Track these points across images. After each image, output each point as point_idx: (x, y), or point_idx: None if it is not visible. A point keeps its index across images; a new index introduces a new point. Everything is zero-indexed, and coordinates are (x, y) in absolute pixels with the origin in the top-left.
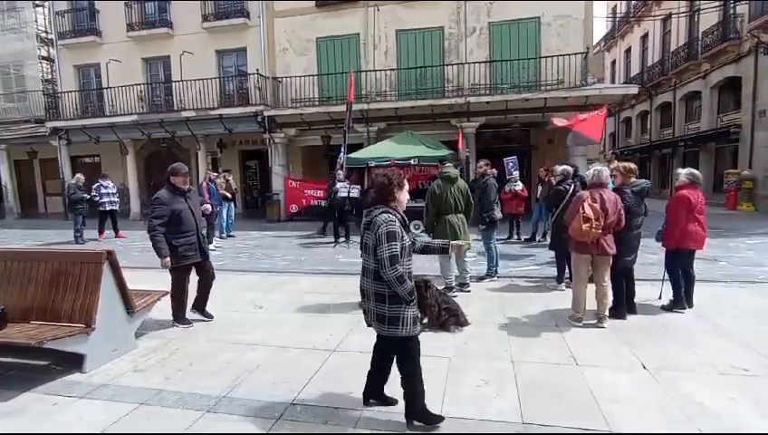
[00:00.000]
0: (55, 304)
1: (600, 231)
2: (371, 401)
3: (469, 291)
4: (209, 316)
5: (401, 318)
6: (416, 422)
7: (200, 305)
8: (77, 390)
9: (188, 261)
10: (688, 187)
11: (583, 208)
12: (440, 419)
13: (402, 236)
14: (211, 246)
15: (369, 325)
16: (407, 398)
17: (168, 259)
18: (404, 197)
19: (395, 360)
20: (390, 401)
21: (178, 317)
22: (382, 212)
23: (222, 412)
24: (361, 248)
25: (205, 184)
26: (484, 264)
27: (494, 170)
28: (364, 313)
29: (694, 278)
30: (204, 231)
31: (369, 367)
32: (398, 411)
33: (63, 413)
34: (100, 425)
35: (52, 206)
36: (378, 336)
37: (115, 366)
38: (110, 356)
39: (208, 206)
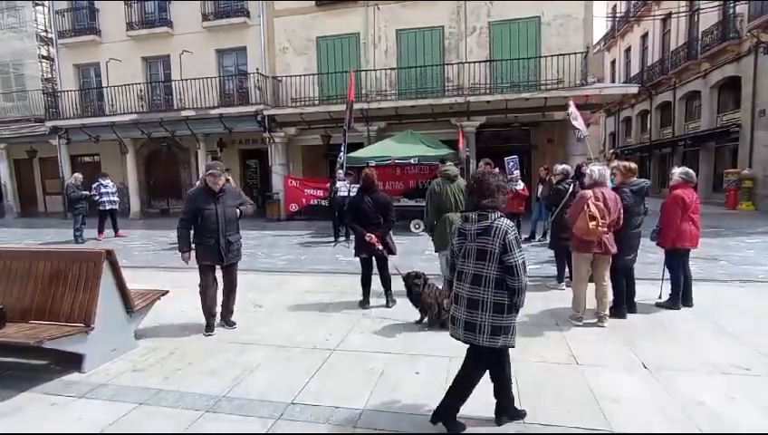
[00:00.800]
0: (54, 303)
1: (606, 229)
2: (441, 423)
3: None
4: (231, 324)
5: (512, 327)
6: (505, 418)
7: (222, 312)
8: (76, 389)
9: (207, 262)
10: (683, 186)
11: (589, 207)
12: (523, 413)
13: None
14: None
15: (457, 338)
16: (503, 398)
17: (187, 255)
18: (505, 200)
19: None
20: (461, 427)
21: (209, 325)
22: (501, 217)
23: (221, 412)
24: (462, 255)
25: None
26: None
27: (496, 170)
28: (452, 322)
29: (690, 278)
30: (230, 237)
31: (372, 365)
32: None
33: (62, 413)
34: (99, 425)
35: (52, 205)
36: (474, 351)
37: (114, 366)
38: (110, 356)
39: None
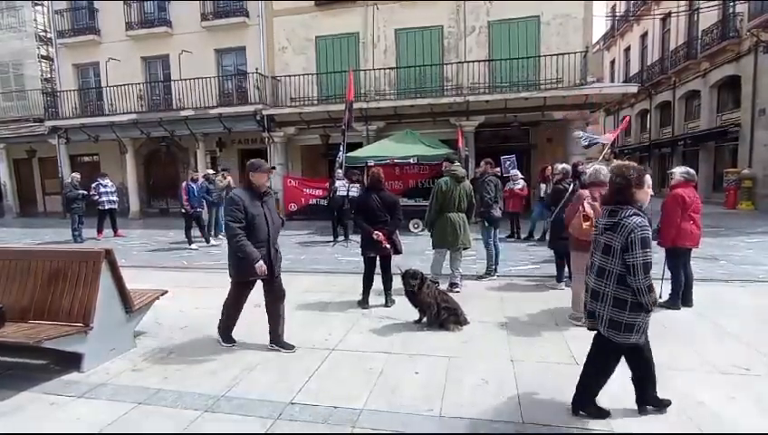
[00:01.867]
0: (53, 303)
1: None
2: (581, 412)
3: (458, 291)
4: (289, 347)
5: (635, 325)
6: (648, 407)
7: (275, 335)
8: (75, 389)
9: (249, 277)
10: (683, 185)
11: (583, 207)
12: (667, 403)
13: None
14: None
15: (592, 329)
16: (642, 389)
17: (262, 263)
18: (644, 196)
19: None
20: (604, 414)
21: (223, 332)
22: (633, 214)
23: (221, 412)
24: (593, 247)
25: (184, 184)
26: (483, 262)
27: (497, 169)
28: (590, 316)
29: (691, 277)
30: (276, 245)
31: (371, 365)
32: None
33: (61, 413)
34: (98, 425)
35: (51, 205)
36: (599, 341)
37: (113, 365)
38: (109, 355)
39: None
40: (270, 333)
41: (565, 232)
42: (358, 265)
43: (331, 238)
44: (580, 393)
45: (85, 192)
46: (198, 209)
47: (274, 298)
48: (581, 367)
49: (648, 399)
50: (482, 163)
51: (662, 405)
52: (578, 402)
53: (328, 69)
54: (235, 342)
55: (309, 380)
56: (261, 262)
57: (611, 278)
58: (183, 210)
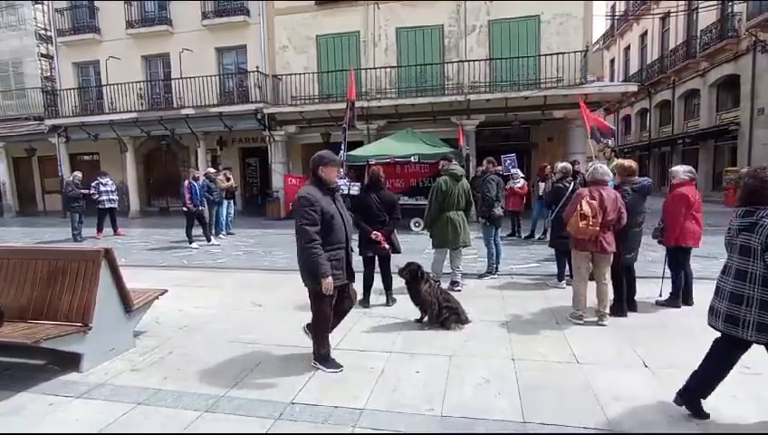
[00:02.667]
0: (52, 302)
1: (598, 228)
2: (687, 409)
3: (459, 290)
4: (337, 366)
5: None
6: None
7: (324, 348)
8: (74, 389)
9: (335, 283)
10: (687, 184)
11: (581, 206)
12: None
13: None
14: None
15: (714, 327)
16: None
17: (331, 280)
18: None
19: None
20: (704, 415)
21: (321, 356)
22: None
23: (220, 412)
24: (728, 249)
25: (186, 183)
26: (484, 261)
27: (499, 168)
28: (710, 312)
29: (691, 276)
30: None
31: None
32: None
33: (60, 413)
34: (97, 425)
35: (51, 204)
36: (729, 342)
37: (112, 365)
38: (108, 355)
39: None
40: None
41: (566, 231)
42: (358, 264)
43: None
44: (694, 389)
45: (86, 191)
46: (201, 208)
47: (344, 307)
48: (582, 366)
49: None
50: (484, 162)
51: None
52: (686, 398)
53: (329, 68)
54: (341, 366)
55: (309, 379)
56: (330, 279)
57: (755, 281)
58: (185, 209)
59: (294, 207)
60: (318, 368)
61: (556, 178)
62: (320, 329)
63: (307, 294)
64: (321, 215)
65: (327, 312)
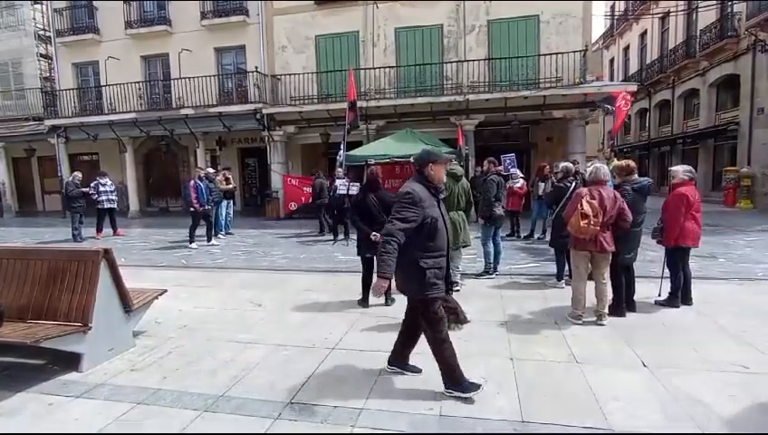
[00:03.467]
0: (52, 302)
1: (598, 228)
2: None
3: (458, 290)
4: (417, 370)
5: None
6: None
7: (405, 355)
8: (73, 389)
9: (434, 293)
10: (687, 184)
11: (581, 205)
12: None
13: None
14: (194, 245)
15: None
16: None
17: (383, 283)
18: None
19: None
20: None
21: (454, 379)
22: None
23: (220, 412)
24: None
25: (192, 183)
26: (483, 261)
27: (500, 168)
28: None
29: (690, 276)
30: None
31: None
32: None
33: (60, 413)
34: (96, 425)
35: (51, 204)
36: None
37: (112, 365)
38: (107, 355)
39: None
40: (398, 351)
41: (566, 231)
42: (357, 264)
43: (331, 237)
44: None
45: (86, 190)
46: (207, 207)
47: (415, 325)
48: (580, 365)
49: None
50: (485, 162)
51: None
52: None
53: (328, 68)
54: (480, 385)
55: (308, 379)
56: (386, 282)
57: None
58: (192, 208)
59: (398, 200)
60: (453, 394)
61: (558, 178)
62: (440, 345)
63: (307, 293)
64: (423, 218)
65: (439, 325)
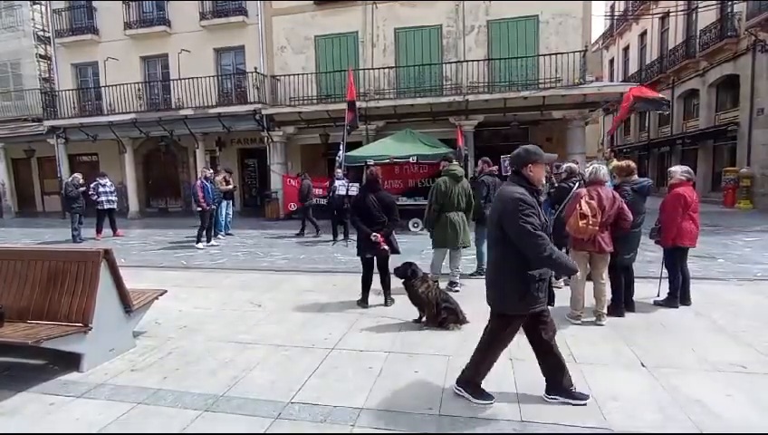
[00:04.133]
0: (52, 303)
1: (597, 228)
2: None
3: (458, 290)
4: (583, 397)
5: None
6: None
7: (561, 382)
8: (74, 389)
9: (536, 307)
10: (684, 184)
11: (580, 205)
12: None
13: None
14: (201, 245)
15: None
16: None
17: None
18: None
19: None
20: None
21: (473, 383)
22: None
23: (220, 411)
24: None
25: (198, 183)
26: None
27: (494, 167)
28: None
29: (689, 276)
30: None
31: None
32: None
33: (60, 413)
34: (97, 425)
35: (50, 205)
36: None
37: (112, 365)
38: (108, 355)
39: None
40: (554, 380)
41: (564, 231)
42: (357, 264)
43: (331, 238)
44: None
45: (82, 189)
46: (213, 206)
47: (542, 340)
48: (580, 366)
49: None
50: (479, 162)
51: None
52: None
53: (327, 68)
54: (492, 398)
55: (308, 379)
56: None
57: None
58: (199, 208)
59: (506, 209)
60: (462, 395)
61: (562, 178)
62: (488, 356)
63: (307, 293)
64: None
65: (508, 341)
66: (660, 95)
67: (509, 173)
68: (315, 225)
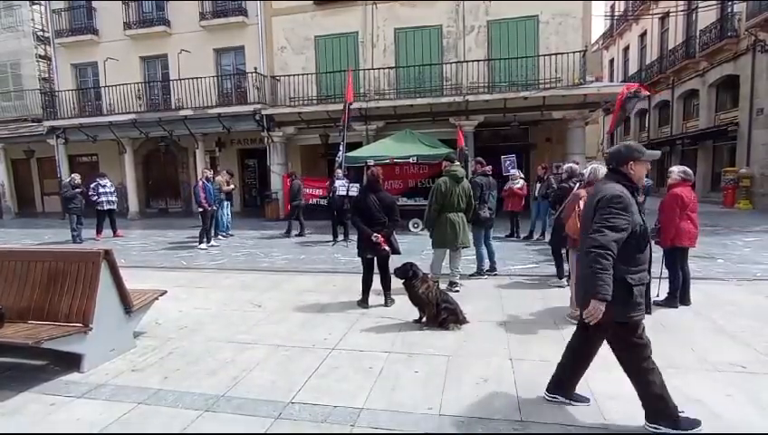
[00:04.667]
0: (52, 303)
1: None
2: None
3: (458, 290)
4: (584, 399)
5: None
6: None
7: (573, 384)
8: (75, 389)
9: (640, 314)
10: (681, 185)
11: (579, 206)
12: None
13: None
14: (204, 245)
15: None
16: None
17: (602, 306)
18: None
19: None
20: None
21: (665, 414)
22: None
23: (221, 412)
24: None
25: (200, 184)
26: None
27: (487, 167)
28: None
29: (689, 276)
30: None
31: (371, 364)
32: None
33: (61, 413)
34: (98, 425)
35: (50, 205)
36: None
37: (113, 366)
38: (108, 356)
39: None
40: (565, 379)
41: (564, 231)
42: (357, 264)
43: (331, 238)
44: None
45: (79, 190)
46: (214, 207)
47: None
48: None
49: None
50: (473, 162)
51: None
52: None
53: (327, 68)
54: (699, 421)
55: (309, 379)
56: (602, 305)
57: None
58: (201, 209)
59: (605, 206)
60: (660, 431)
61: (562, 179)
62: (646, 375)
63: (307, 293)
64: (633, 225)
65: (645, 348)
66: (636, 87)
67: (509, 173)
68: (302, 225)
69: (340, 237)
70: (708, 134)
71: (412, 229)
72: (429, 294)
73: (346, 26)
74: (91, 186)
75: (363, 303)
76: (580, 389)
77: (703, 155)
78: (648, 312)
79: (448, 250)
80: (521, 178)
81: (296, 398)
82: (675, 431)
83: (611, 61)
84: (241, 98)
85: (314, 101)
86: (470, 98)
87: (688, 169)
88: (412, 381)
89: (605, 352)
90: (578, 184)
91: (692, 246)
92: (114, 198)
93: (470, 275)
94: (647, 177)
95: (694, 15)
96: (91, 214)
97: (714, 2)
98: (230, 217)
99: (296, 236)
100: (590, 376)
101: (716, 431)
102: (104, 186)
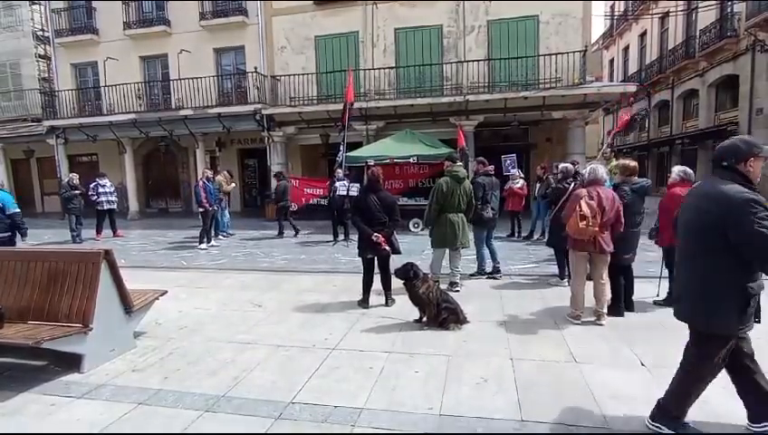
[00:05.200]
0: (53, 303)
1: (597, 229)
2: None
3: (458, 290)
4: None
5: None
6: None
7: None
8: (75, 390)
9: (749, 328)
10: (680, 184)
11: (580, 206)
12: None
13: None
14: (204, 245)
15: None
16: None
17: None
18: None
19: None
20: None
21: (672, 417)
22: None
23: (221, 412)
24: None
25: (201, 183)
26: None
27: (490, 167)
28: None
29: None
30: None
31: (372, 364)
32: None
33: (61, 413)
34: (98, 425)
35: (50, 205)
36: None
37: (113, 366)
38: (109, 356)
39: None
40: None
41: (563, 231)
42: (358, 264)
43: (332, 238)
44: None
45: (78, 191)
46: (215, 208)
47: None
48: (579, 365)
49: None
50: (473, 162)
51: None
52: None
53: (327, 68)
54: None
55: (309, 379)
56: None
57: None
58: (201, 209)
59: (731, 213)
60: (661, 431)
61: (558, 179)
62: (696, 384)
63: (307, 293)
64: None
65: (719, 365)
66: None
67: (509, 173)
68: (292, 225)
69: (341, 237)
70: (708, 134)
71: (412, 229)
72: (430, 295)
73: (346, 26)
74: (91, 186)
75: (364, 303)
76: (579, 388)
77: (703, 155)
78: (758, 320)
79: (448, 250)
80: (521, 177)
81: (296, 398)
82: (675, 433)
83: (611, 61)
84: (241, 98)
85: (314, 101)
86: (470, 98)
87: (688, 169)
88: (412, 380)
89: (605, 352)
90: (573, 184)
91: None
92: (114, 198)
93: (470, 275)
94: (645, 176)
95: (693, 15)
96: (90, 214)
97: (713, 2)
98: (228, 216)
99: (294, 236)
100: (591, 376)
101: (719, 432)
102: (104, 186)
